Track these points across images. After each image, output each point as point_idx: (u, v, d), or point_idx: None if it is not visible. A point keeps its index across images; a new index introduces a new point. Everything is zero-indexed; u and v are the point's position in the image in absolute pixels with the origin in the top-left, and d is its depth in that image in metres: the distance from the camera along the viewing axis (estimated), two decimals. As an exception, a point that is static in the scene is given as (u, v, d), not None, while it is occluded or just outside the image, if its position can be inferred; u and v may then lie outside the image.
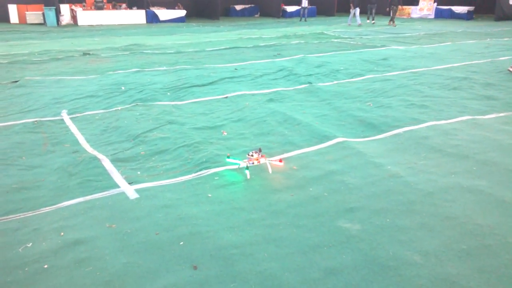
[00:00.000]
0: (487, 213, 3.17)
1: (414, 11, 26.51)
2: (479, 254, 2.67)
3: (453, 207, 3.25)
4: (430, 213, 3.17)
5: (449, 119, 5.44)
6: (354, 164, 4.05)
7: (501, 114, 5.64)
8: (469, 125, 5.20)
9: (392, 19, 20.51)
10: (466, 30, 17.57)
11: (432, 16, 25.47)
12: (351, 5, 20.76)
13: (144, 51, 11.53)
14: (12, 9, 21.10)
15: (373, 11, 21.40)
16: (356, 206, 3.27)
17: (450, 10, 24.99)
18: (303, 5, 23.82)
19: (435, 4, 25.45)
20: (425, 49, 11.90)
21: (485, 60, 9.86)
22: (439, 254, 2.68)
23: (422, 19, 25.29)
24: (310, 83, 7.56)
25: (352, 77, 8.05)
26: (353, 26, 20.15)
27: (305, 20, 23.82)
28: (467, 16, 24.11)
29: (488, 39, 14.08)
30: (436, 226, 3.00)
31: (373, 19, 21.40)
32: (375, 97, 6.56)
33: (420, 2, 26.23)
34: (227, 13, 27.92)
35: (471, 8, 24.36)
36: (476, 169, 3.96)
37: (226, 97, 6.62)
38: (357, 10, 20.44)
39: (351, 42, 13.52)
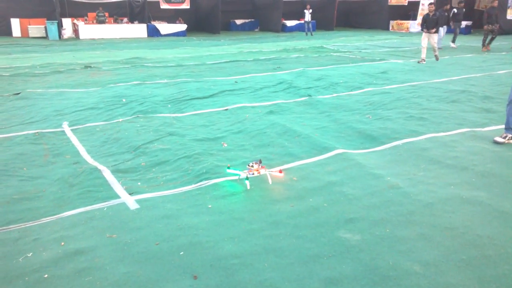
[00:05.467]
0: (486, 223, 3.18)
1: (412, 26, 26.77)
2: (479, 264, 2.68)
3: (452, 218, 3.26)
4: (429, 223, 3.18)
5: (448, 131, 5.48)
6: (353, 175, 4.06)
7: (500, 127, 5.66)
8: (468, 137, 5.23)
9: (486, 42, 15.16)
10: (464, 44, 17.73)
11: (431, 31, 25.67)
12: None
13: (145, 64, 11.63)
14: (15, 23, 21.30)
15: (457, 30, 16.75)
16: (355, 216, 3.28)
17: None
18: (306, 19, 23.89)
19: (433, 18, 25.68)
20: (423, 62, 11.99)
21: (483, 74, 9.95)
22: (438, 264, 2.68)
23: (420, 33, 25.51)
24: (309, 95, 7.62)
25: (351, 90, 8.11)
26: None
27: (311, 34, 23.79)
28: (465, 31, 24.33)
29: (486, 53, 14.21)
30: (436, 236, 3.01)
31: (453, 42, 16.54)
32: (374, 110, 6.61)
33: (419, 17, 26.48)
34: (228, 28, 28.17)
35: (469, 22, 24.62)
36: (475, 180, 3.97)
37: (227, 109, 6.67)
38: (442, 30, 15.87)
39: (350, 56, 13.65)
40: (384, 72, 10.19)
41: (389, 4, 27.32)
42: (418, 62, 11.95)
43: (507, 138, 5.01)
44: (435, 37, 12.03)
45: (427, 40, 12.04)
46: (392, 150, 4.80)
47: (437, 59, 12.28)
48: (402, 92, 7.81)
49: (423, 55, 11.98)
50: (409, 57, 13.34)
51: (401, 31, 26.79)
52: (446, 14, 15.92)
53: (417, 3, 26.40)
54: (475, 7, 26.65)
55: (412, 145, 4.93)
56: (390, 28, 27.74)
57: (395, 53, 14.36)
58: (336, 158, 4.51)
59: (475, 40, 19.39)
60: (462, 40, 19.93)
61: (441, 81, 9.02)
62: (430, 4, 12.12)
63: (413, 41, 19.72)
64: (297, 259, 2.74)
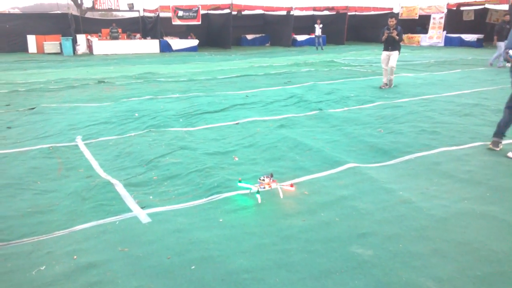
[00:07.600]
0: (501, 239, 3.13)
1: (423, 39, 26.78)
2: (495, 281, 2.63)
3: (466, 233, 3.21)
4: (443, 239, 3.13)
5: (461, 145, 5.43)
6: (365, 190, 4.04)
7: (514, 140, 5.60)
8: (481, 151, 5.18)
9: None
10: (476, 57, 17.64)
11: (442, 44, 25.66)
12: (495, 37, 13.96)
13: (158, 79, 11.78)
14: (31, 39, 21.82)
15: None
16: (368, 231, 3.25)
17: (460, 38, 25.17)
18: (316, 34, 24.12)
19: (445, 32, 25.68)
20: (435, 76, 11.96)
21: (496, 87, 9.87)
22: (453, 280, 2.63)
23: (431, 47, 25.50)
24: (320, 109, 7.63)
25: (362, 104, 8.10)
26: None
27: (322, 49, 23.96)
28: (477, 44, 24.25)
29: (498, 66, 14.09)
30: (450, 252, 2.96)
31: None
32: (386, 123, 6.58)
33: (430, 30, 26.52)
34: (239, 42, 28.47)
35: (481, 36, 24.54)
36: (489, 195, 3.92)
37: (238, 123, 6.70)
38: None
39: (361, 70, 13.66)
40: (395, 85, 10.16)
41: (400, 18, 27.38)
42: (380, 88, 9.86)
43: None
44: (395, 56, 9.90)
45: (387, 61, 9.93)
46: (404, 164, 4.76)
47: (390, 85, 9.96)
48: (414, 106, 7.78)
49: (384, 79, 10.00)
50: (420, 70, 13.30)
51: (412, 45, 26.79)
52: (508, 26, 13.35)
53: (428, 17, 26.45)
54: (487, 20, 26.60)
55: (425, 159, 4.89)
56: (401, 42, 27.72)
57: (406, 67, 14.33)
58: (348, 172, 4.49)
59: (488, 53, 19.27)
60: (473, 53, 19.84)
61: (454, 94, 8.97)
62: (391, 17, 9.95)
63: (424, 54, 19.70)
64: (308, 274, 2.72)
